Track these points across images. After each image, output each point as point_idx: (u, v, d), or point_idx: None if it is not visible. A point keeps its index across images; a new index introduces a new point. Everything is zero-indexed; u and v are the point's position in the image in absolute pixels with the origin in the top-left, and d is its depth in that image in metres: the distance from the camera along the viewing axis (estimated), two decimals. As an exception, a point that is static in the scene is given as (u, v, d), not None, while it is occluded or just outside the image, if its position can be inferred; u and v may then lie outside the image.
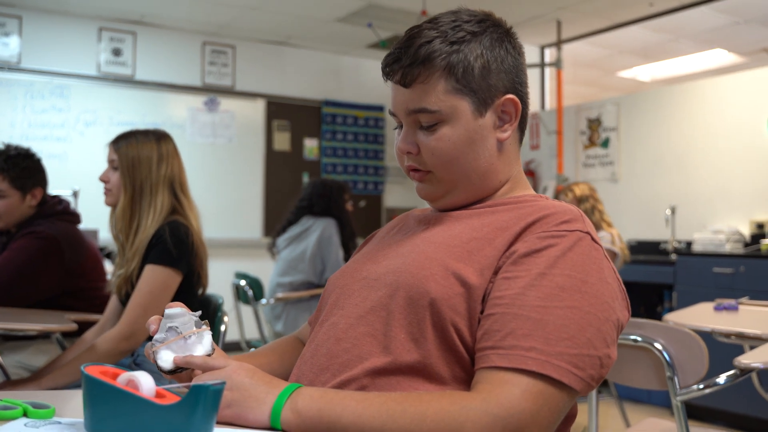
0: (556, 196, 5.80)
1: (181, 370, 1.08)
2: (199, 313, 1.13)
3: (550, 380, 0.97)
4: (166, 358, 1.08)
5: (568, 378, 0.98)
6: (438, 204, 1.26)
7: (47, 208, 2.83)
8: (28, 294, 2.65)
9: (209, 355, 1.10)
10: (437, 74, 1.15)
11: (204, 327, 1.12)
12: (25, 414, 0.97)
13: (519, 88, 1.22)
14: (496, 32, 1.20)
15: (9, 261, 2.62)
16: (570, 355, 0.99)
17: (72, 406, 1.07)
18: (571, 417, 1.15)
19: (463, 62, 1.15)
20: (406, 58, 1.16)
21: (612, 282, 1.09)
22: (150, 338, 1.12)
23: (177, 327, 1.09)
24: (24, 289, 2.63)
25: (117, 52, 6.39)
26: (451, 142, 1.17)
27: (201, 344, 1.10)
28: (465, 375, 1.07)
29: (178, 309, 1.10)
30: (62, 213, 2.85)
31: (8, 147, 2.80)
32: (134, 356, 2.35)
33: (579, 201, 4.56)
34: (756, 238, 5.04)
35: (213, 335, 1.13)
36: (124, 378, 0.92)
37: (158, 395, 0.92)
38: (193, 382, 0.88)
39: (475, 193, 1.23)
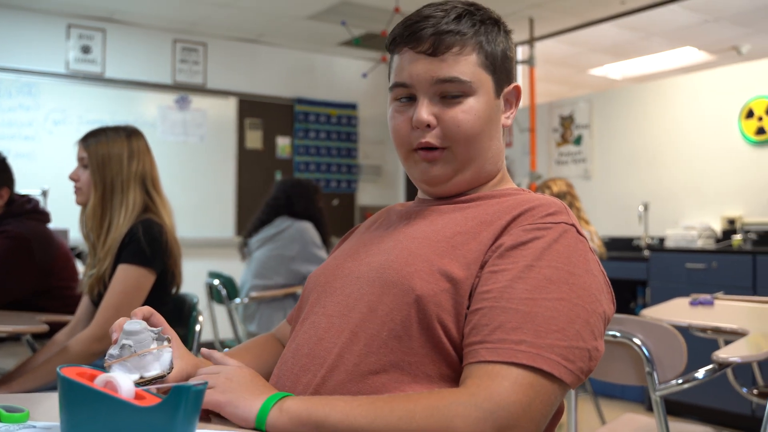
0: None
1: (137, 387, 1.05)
2: (160, 329, 1.10)
3: (540, 372, 0.95)
4: None
5: (558, 370, 0.96)
6: (441, 189, 1.22)
7: (16, 207, 2.78)
8: (3, 293, 2.61)
9: (165, 375, 1.07)
10: (470, 46, 1.17)
11: (165, 343, 1.09)
12: (-2, 418, 0.94)
13: (515, 80, 1.26)
14: (503, 26, 1.24)
15: None
16: (560, 347, 0.97)
17: (46, 409, 1.04)
18: (558, 413, 1.13)
19: (491, 42, 1.19)
20: (441, 26, 1.16)
21: (598, 274, 1.09)
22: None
23: (131, 345, 1.05)
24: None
25: (86, 50, 6.30)
26: (476, 116, 1.17)
27: (158, 362, 1.07)
28: (452, 373, 1.06)
29: (137, 325, 1.07)
30: (31, 212, 2.81)
31: None
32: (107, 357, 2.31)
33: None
34: (727, 233, 5.10)
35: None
36: (101, 380, 0.89)
37: (138, 397, 0.90)
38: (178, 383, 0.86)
39: (478, 179, 1.22)
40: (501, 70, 1.20)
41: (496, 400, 0.92)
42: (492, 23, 1.20)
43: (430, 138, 1.17)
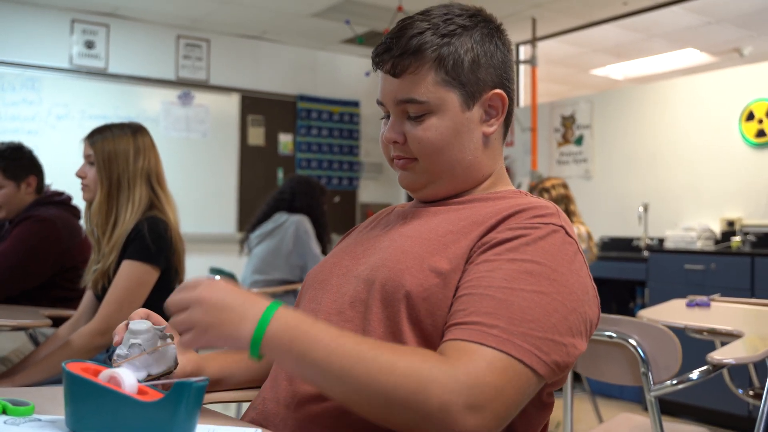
0: (530, 191, 5.84)
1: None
2: (163, 326, 1.13)
3: (514, 359, 0.96)
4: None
5: (530, 359, 0.96)
6: (420, 194, 1.26)
7: (44, 197, 2.96)
8: (34, 276, 2.75)
9: (172, 371, 1.10)
10: (427, 65, 1.16)
11: (169, 340, 1.11)
12: (4, 411, 0.96)
13: (506, 83, 1.23)
14: (487, 27, 1.21)
15: (11, 247, 2.71)
16: (534, 337, 0.98)
17: (51, 403, 1.06)
18: (548, 406, 1.15)
19: (453, 55, 1.16)
20: (397, 48, 1.17)
21: (584, 276, 1.09)
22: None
23: (140, 344, 1.08)
24: (30, 271, 2.73)
25: (90, 45, 6.32)
26: (438, 133, 1.17)
27: (164, 359, 1.10)
28: None
29: (143, 324, 1.09)
30: (59, 203, 2.96)
31: None
32: (109, 351, 2.33)
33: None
34: (726, 235, 5.11)
35: None
36: (105, 375, 0.92)
37: (140, 392, 0.92)
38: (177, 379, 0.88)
39: (457, 186, 1.23)
40: (470, 81, 1.18)
41: (473, 376, 0.93)
42: (467, 31, 1.18)
43: (400, 152, 1.22)
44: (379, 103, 1.24)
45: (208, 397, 1.27)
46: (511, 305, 0.99)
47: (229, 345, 1.00)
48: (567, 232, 1.11)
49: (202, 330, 0.99)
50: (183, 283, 1.05)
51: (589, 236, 4.43)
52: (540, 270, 1.03)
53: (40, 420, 0.94)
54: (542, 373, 0.98)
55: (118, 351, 1.08)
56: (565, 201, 4.51)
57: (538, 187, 4.64)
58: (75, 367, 0.91)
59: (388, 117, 1.24)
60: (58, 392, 1.09)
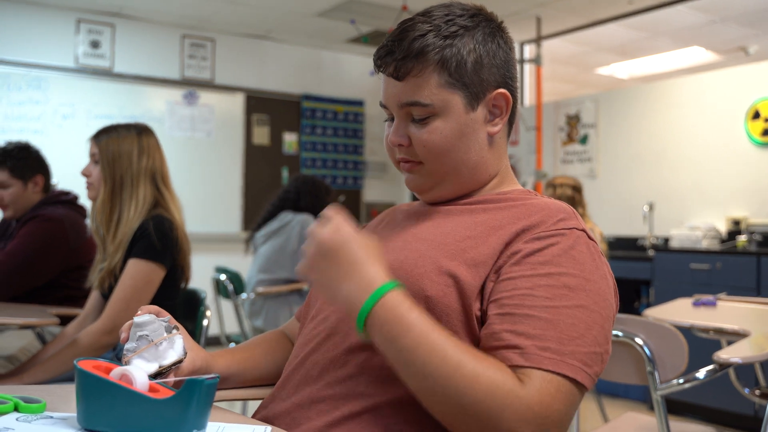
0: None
1: (156, 377, 1.08)
2: (168, 317, 1.13)
3: (568, 380, 0.98)
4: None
5: (581, 376, 0.98)
6: (427, 196, 1.26)
7: (51, 197, 2.98)
8: (41, 275, 2.78)
9: (182, 360, 1.10)
10: (430, 68, 1.15)
11: (175, 332, 1.12)
12: (16, 408, 0.97)
13: (509, 82, 1.22)
14: (489, 27, 1.20)
15: (19, 246, 2.73)
16: (581, 353, 0.99)
17: (63, 400, 1.07)
18: None
19: (456, 57, 1.15)
20: (400, 51, 1.16)
21: (609, 278, 1.11)
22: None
23: (147, 335, 1.08)
24: (36, 270, 2.75)
25: (95, 45, 6.34)
26: (442, 136, 1.17)
27: (173, 349, 1.10)
28: None
29: (146, 316, 1.10)
30: (66, 203, 2.98)
31: (6, 143, 3.02)
32: (116, 350, 2.34)
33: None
34: (732, 234, 5.10)
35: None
36: (117, 372, 0.92)
37: (152, 390, 0.93)
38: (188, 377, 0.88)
39: (464, 186, 1.23)
40: (474, 82, 1.17)
41: (545, 406, 0.95)
42: (469, 31, 1.17)
43: (406, 155, 1.21)
44: (383, 105, 1.23)
45: (215, 394, 1.28)
46: (557, 325, 1.00)
47: (342, 307, 1.04)
48: (588, 235, 1.12)
49: (323, 284, 1.06)
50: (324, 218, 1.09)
51: (602, 238, 4.42)
52: (576, 283, 1.04)
53: (51, 417, 0.95)
54: (588, 386, 1.00)
55: (126, 346, 1.09)
56: (570, 203, 4.47)
57: (549, 183, 4.63)
58: (87, 365, 0.91)
59: (391, 119, 1.23)
60: (69, 390, 1.10)
